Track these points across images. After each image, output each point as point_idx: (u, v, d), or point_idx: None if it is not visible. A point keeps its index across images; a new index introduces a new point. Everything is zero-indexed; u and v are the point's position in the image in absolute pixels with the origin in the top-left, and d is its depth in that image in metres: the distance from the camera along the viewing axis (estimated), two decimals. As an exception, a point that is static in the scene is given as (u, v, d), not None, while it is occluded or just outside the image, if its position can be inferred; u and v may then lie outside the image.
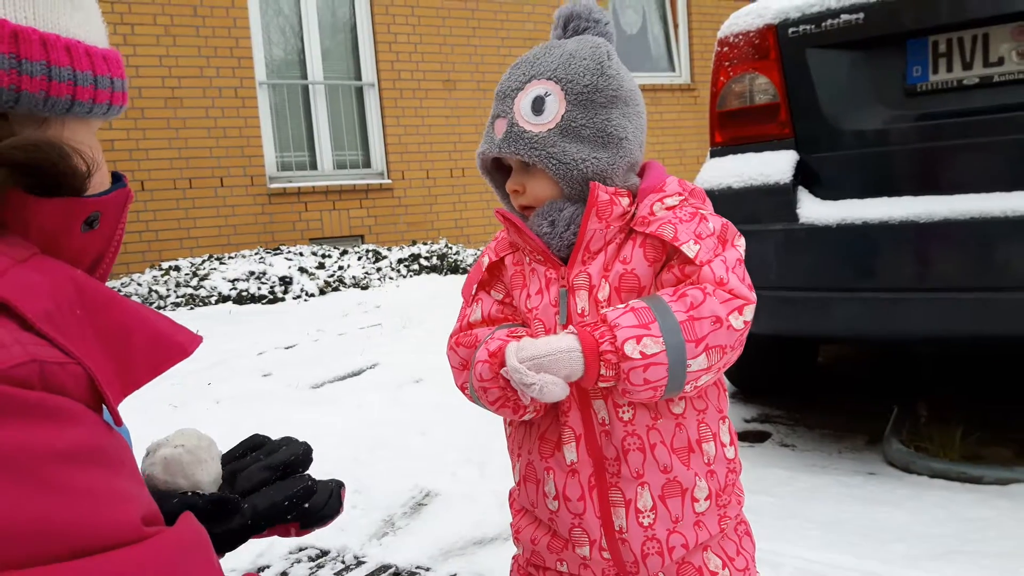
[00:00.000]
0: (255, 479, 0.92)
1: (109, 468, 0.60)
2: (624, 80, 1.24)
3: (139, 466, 0.86)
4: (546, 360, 1.07)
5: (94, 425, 0.62)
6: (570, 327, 1.13)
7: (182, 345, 0.74)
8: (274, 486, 0.92)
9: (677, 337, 1.08)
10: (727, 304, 1.11)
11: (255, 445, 1.01)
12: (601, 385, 1.12)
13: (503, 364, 1.13)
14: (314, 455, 1.02)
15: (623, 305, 1.13)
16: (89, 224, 0.73)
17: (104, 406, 0.65)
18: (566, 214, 1.21)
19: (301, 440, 1.01)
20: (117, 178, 0.80)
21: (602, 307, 1.18)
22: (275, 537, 0.97)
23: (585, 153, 1.19)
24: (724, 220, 1.21)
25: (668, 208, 1.20)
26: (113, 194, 0.75)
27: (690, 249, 1.13)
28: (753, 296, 1.15)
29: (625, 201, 1.20)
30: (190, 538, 0.63)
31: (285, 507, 0.91)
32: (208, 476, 0.90)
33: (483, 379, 1.18)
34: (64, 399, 0.59)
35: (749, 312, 1.14)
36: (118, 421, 0.65)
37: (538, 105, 1.19)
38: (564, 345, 1.08)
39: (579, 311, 1.19)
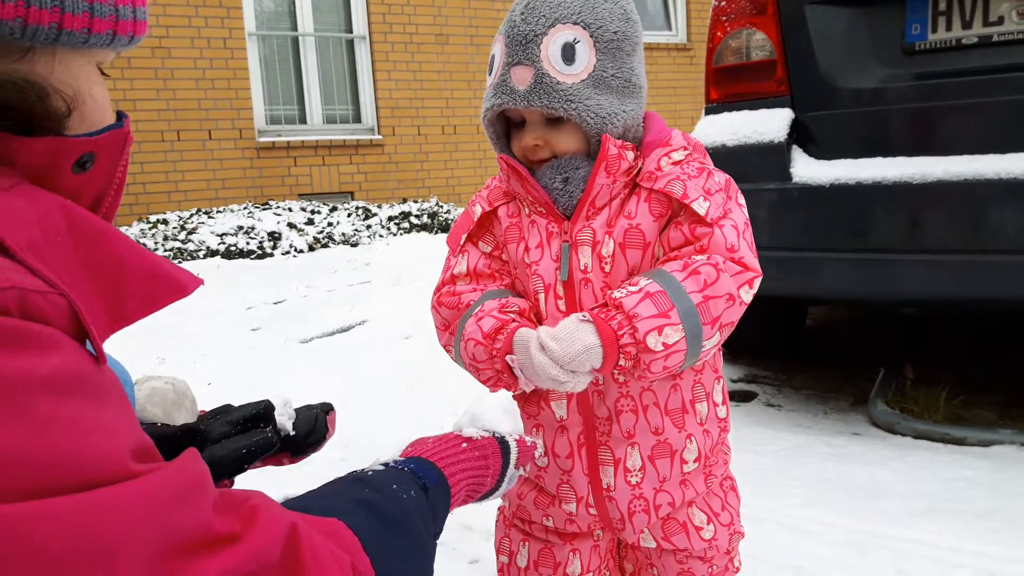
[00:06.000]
0: (216, 432, 0.90)
1: (94, 399, 0.58)
2: (640, 25, 1.19)
3: None
4: (572, 364, 1.03)
5: (76, 354, 0.59)
6: (584, 314, 1.06)
7: (181, 283, 0.70)
8: (233, 438, 0.91)
9: (694, 321, 1.04)
10: (738, 278, 1.08)
11: (220, 411, 0.99)
12: (615, 372, 1.08)
13: (507, 351, 1.09)
14: (287, 407, 1.00)
15: (636, 288, 1.06)
16: (81, 165, 0.69)
17: (88, 340, 0.62)
18: (582, 172, 1.14)
19: (261, 399, 1.00)
20: (119, 116, 0.75)
21: (605, 263, 1.14)
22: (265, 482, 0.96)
23: (616, 106, 1.13)
24: (727, 175, 1.18)
25: (675, 163, 1.15)
26: (107, 134, 0.71)
27: (700, 206, 1.09)
28: (759, 269, 1.12)
29: (631, 155, 1.15)
30: (182, 479, 0.60)
31: (243, 455, 0.90)
32: (184, 420, 0.91)
33: (476, 360, 1.14)
34: (44, 327, 0.56)
35: (757, 285, 1.11)
36: (101, 355, 0.61)
37: (568, 53, 1.10)
38: (582, 345, 1.03)
39: (581, 267, 1.15)
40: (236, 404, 1.00)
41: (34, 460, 0.52)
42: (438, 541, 0.85)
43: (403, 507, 0.79)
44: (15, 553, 0.50)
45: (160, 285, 0.69)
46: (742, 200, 1.18)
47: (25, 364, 0.54)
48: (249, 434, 0.92)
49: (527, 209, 1.21)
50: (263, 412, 0.96)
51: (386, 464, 0.86)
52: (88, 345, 0.62)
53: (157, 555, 0.55)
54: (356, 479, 0.82)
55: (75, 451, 0.54)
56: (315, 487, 0.80)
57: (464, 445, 0.92)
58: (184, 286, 0.70)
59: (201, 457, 0.65)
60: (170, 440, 0.83)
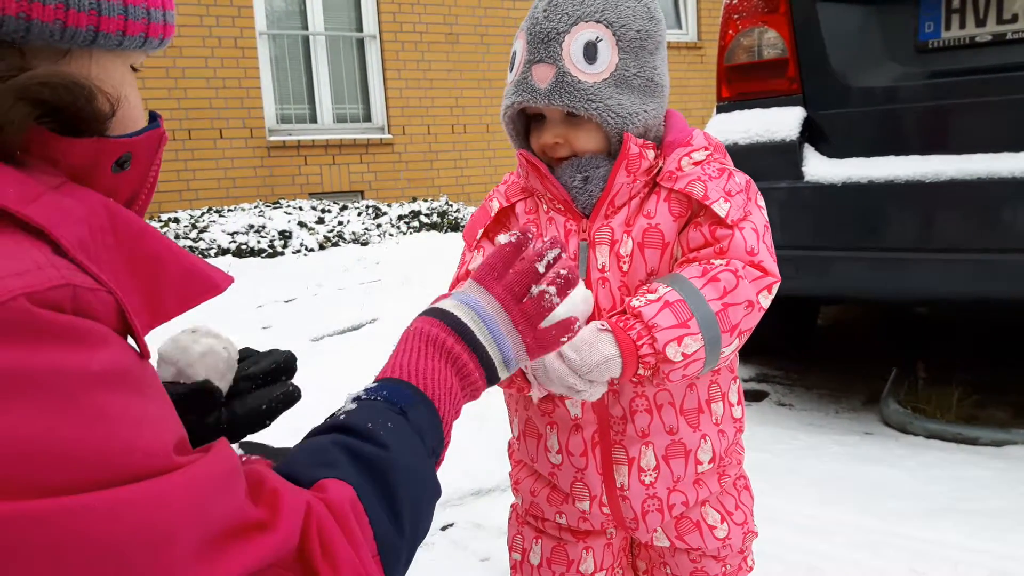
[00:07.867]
0: (236, 388, 0.88)
1: (140, 393, 0.59)
2: (664, 24, 1.18)
3: None
4: (591, 375, 1.02)
5: (124, 350, 0.60)
6: (603, 323, 1.04)
7: (215, 281, 0.72)
8: (254, 393, 0.89)
9: (714, 331, 1.04)
10: (757, 283, 1.07)
11: (241, 357, 0.96)
12: (633, 380, 1.07)
13: None
14: (298, 365, 0.95)
15: (655, 296, 1.04)
16: (120, 165, 0.71)
17: (131, 336, 0.64)
18: (602, 171, 1.14)
19: (284, 349, 0.97)
20: (153, 117, 0.77)
21: (623, 263, 1.14)
22: None
23: (638, 106, 1.12)
24: (747, 176, 1.18)
25: (696, 163, 1.15)
26: (145, 135, 0.73)
27: (721, 208, 1.09)
28: (778, 273, 1.11)
29: (651, 154, 1.14)
30: (221, 470, 0.62)
31: (263, 411, 0.88)
32: (209, 374, 0.86)
33: None
34: (94, 323, 0.58)
35: (775, 290, 1.10)
36: (145, 351, 0.63)
37: (590, 52, 1.09)
38: (601, 356, 1.01)
39: (599, 266, 1.15)
40: (252, 348, 0.98)
41: (89, 453, 0.54)
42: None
43: (387, 452, 0.73)
44: (73, 544, 0.52)
45: (195, 283, 0.71)
46: (762, 202, 1.17)
47: (78, 359, 0.55)
48: (269, 388, 0.90)
49: (545, 206, 1.21)
50: (283, 364, 0.94)
51: (358, 398, 0.80)
52: (131, 341, 0.64)
53: (203, 542, 0.57)
54: (333, 427, 0.76)
55: (127, 444, 0.56)
56: (295, 445, 0.76)
57: (422, 348, 0.85)
58: (217, 284, 0.73)
59: (229, 443, 0.66)
60: (183, 399, 0.81)
